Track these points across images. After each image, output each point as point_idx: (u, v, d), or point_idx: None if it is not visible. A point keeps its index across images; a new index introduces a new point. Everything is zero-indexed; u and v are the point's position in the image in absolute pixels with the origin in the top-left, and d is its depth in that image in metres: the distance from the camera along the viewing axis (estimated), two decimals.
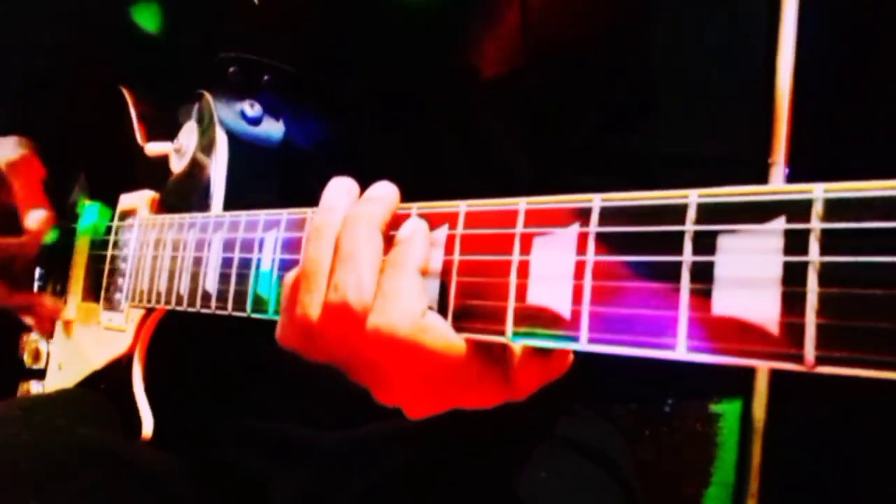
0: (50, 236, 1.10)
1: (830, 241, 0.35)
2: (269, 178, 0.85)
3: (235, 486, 0.91)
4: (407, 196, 0.57)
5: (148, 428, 0.87)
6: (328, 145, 0.87)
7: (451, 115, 0.83)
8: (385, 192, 0.56)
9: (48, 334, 1.14)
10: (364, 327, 0.52)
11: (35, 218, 1.05)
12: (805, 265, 0.35)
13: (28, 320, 1.15)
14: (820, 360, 0.35)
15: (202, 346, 0.91)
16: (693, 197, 0.40)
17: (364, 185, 0.60)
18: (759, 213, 0.37)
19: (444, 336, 0.50)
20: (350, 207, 0.55)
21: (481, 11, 0.80)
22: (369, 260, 0.53)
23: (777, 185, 0.38)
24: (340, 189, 0.58)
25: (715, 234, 0.39)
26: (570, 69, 0.80)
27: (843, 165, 0.37)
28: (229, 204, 0.81)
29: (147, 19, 0.98)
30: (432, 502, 0.81)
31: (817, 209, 0.35)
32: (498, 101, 0.82)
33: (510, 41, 0.80)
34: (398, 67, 0.83)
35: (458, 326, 0.50)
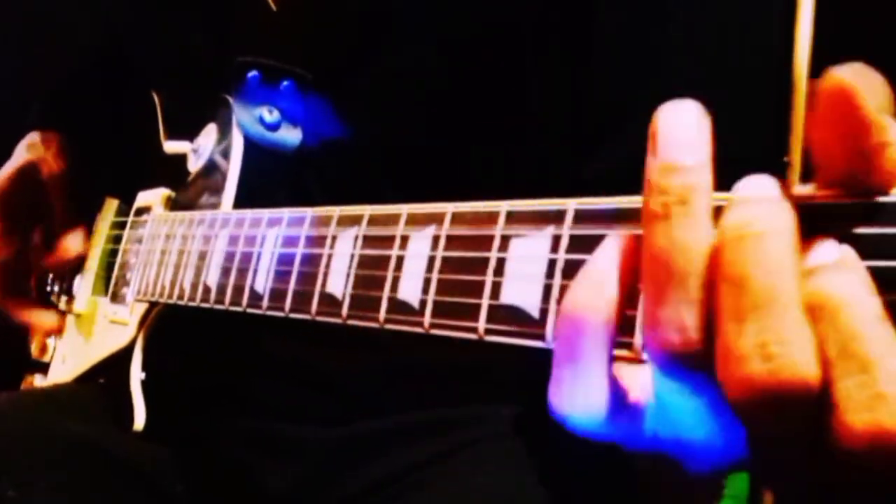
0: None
1: None
2: (282, 183, 0.86)
3: (227, 482, 0.91)
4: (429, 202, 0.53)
5: (140, 421, 0.88)
6: (345, 154, 0.87)
7: (469, 119, 0.82)
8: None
9: (54, 333, 1.15)
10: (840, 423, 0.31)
11: (76, 241, 1.08)
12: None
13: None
14: None
15: (199, 343, 0.92)
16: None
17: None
18: None
19: None
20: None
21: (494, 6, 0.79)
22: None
23: None
24: (702, 138, 0.36)
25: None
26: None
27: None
28: (238, 206, 0.83)
29: (170, 24, 1.01)
30: (428, 499, 0.79)
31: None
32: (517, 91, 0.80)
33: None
34: (415, 73, 0.82)
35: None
